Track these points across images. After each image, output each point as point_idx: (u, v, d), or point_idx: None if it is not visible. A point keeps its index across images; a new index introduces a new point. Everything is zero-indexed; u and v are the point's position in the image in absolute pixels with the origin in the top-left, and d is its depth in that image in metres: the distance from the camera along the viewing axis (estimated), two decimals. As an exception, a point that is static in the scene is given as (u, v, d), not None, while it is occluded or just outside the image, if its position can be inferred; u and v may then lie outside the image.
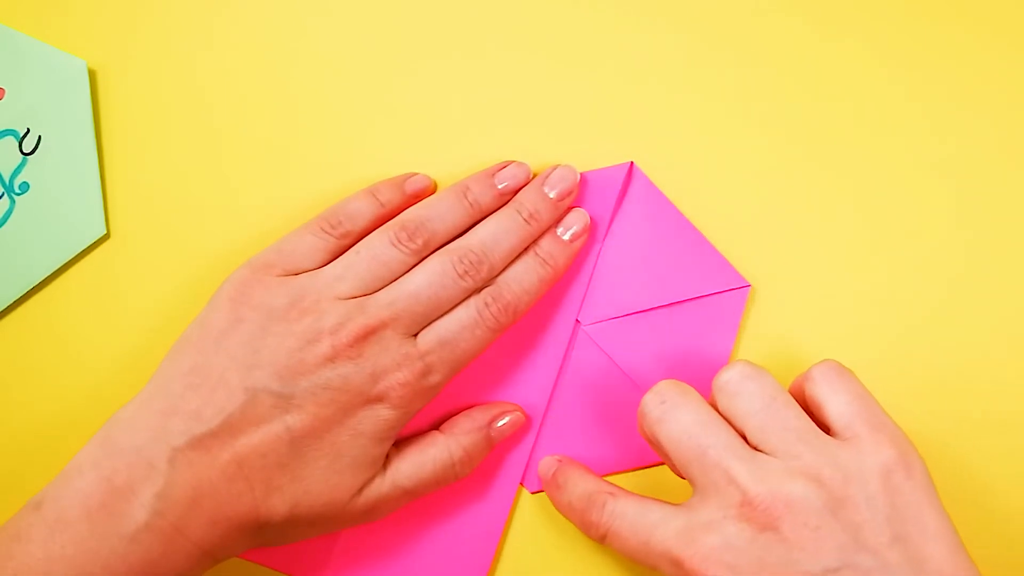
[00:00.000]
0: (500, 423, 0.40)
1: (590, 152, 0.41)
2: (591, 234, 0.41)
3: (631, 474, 0.41)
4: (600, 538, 0.36)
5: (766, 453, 0.33)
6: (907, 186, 0.41)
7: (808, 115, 0.41)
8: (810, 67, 0.41)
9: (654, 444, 0.36)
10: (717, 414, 0.35)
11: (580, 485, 0.37)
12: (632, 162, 0.41)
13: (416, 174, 0.41)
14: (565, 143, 0.41)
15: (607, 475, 0.41)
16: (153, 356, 0.40)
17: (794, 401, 0.35)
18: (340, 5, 0.42)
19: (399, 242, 0.37)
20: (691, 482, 0.34)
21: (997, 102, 0.40)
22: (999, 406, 0.40)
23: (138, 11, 0.43)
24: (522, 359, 0.41)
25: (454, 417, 0.40)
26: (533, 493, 0.41)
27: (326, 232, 0.38)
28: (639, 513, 0.35)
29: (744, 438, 0.34)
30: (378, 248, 0.37)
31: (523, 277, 0.38)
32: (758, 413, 0.34)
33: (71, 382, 0.42)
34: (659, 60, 0.41)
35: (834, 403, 0.34)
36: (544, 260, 0.39)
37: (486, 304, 0.37)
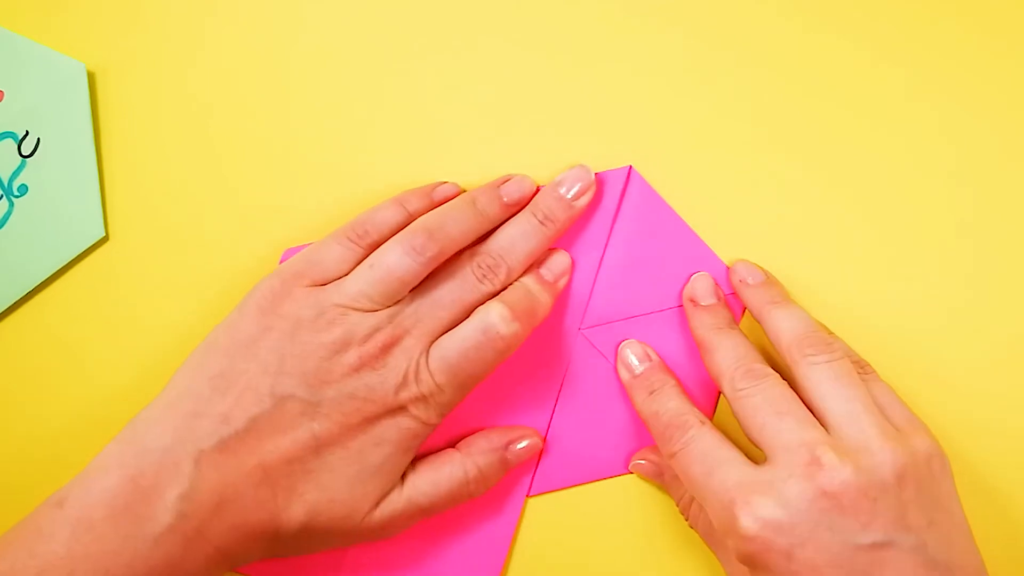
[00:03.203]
0: (517, 447, 0.40)
1: (589, 156, 0.41)
2: (591, 238, 0.41)
3: (632, 476, 0.41)
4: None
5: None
6: (910, 188, 0.41)
7: (809, 119, 0.41)
8: (811, 70, 0.41)
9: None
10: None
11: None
12: (631, 166, 0.41)
13: (444, 183, 0.41)
14: (564, 148, 0.41)
15: (608, 478, 0.41)
16: (151, 358, 0.40)
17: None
18: (340, 8, 0.42)
19: (413, 251, 0.37)
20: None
21: (1000, 103, 0.40)
22: (1003, 410, 0.40)
23: (137, 13, 0.43)
24: (528, 366, 0.41)
25: (471, 436, 0.40)
26: (531, 496, 0.41)
27: (353, 242, 0.38)
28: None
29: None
30: (392, 260, 0.37)
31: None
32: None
33: (70, 385, 0.42)
34: (658, 63, 0.41)
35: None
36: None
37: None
